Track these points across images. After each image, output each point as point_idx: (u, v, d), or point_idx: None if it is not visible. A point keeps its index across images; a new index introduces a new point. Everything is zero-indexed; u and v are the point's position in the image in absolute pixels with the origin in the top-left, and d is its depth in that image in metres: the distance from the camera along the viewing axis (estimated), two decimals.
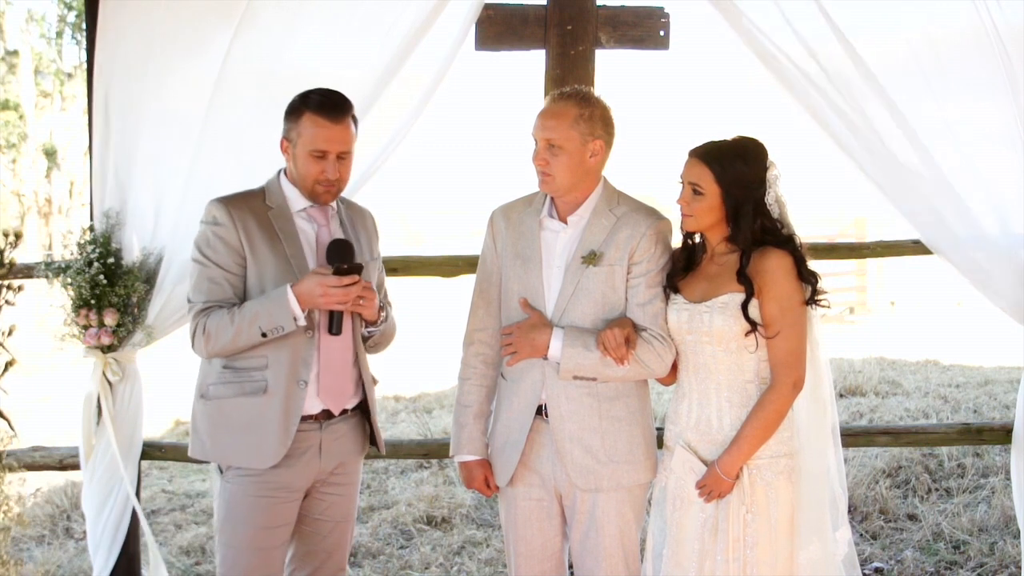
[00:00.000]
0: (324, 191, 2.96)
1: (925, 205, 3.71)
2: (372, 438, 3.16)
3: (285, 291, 2.83)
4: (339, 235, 3.03)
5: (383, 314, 3.06)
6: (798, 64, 3.63)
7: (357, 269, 2.87)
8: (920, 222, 3.75)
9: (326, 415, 3.01)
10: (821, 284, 2.90)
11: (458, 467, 3.19)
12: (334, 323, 2.91)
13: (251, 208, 2.95)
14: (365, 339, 3.10)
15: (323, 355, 2.97)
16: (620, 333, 2.82)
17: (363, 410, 3.12)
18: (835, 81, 3.65)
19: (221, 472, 3.01)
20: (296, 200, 3.00)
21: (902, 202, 3.72)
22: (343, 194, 3.15)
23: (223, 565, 3.00)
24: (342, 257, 2.90)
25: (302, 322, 2.86)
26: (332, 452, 3.03)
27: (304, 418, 2.95)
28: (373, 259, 3.13)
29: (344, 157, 2.96)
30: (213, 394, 2.96)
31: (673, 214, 3.05)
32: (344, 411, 3.06)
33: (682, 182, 2.91)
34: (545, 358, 2.91)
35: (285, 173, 3.04)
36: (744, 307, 2.81)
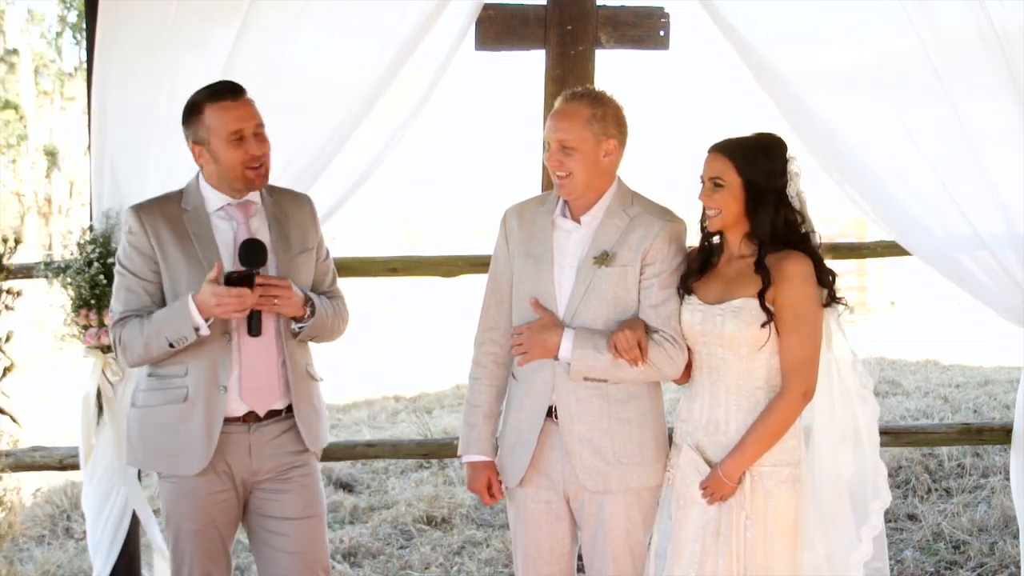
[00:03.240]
0: (255, 175, 2.92)
1: (915, 209, 3.73)
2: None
3: (186, 301, 2.82)
4: (261, 232, 2.98)
5: (307, 309, 2.98)
6: (780, 65, 3.66)
7: (247, 278, 2.81)
8: (902, 230, 3.78)
9: (254, 417, 2.98)
10: (838, 284, 2.89)
11: (465, 467, 3.17)
12: (253, 325, 2.88)
13: (163, 212, 2.93)
14: (296, 334, 3.02)
15: (245, 357, 2.94)
16: (632, 335, 2.80)
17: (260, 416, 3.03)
18: (825, 82, 3.68)
19: (160, 475, 3.03)
20: (214, 199, 2.95)
21: (886, 210, 3.75)
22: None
23: (174, 560, 3.04)
24: (252, 259, 2.85)
25: (205, 331, 2.83)
26: (264, 454, 2.99)
27: (230, 420, 2.94)
28: (306, 250, 3.06)
29: (259, 133, 2.93)
30: (141, 402, 2.99)
31: (684, 214, 3.03)
32: (275, 412, 3.01)
33: (702, 180, 2.88)
34: (556, 359, 2.90)
35: (203, 175, 2.99)
36: (761, 296, 2.78)
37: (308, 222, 3.11)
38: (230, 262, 2.91)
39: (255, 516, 3.07)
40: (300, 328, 2.99)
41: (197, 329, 2.82)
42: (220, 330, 2.88)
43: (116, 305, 2.96)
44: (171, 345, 2.84)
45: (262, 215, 3.02)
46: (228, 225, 2.97)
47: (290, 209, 3.09)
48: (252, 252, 2.86)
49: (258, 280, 2.83)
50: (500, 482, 3.09)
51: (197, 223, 2.94)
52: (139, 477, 4.11)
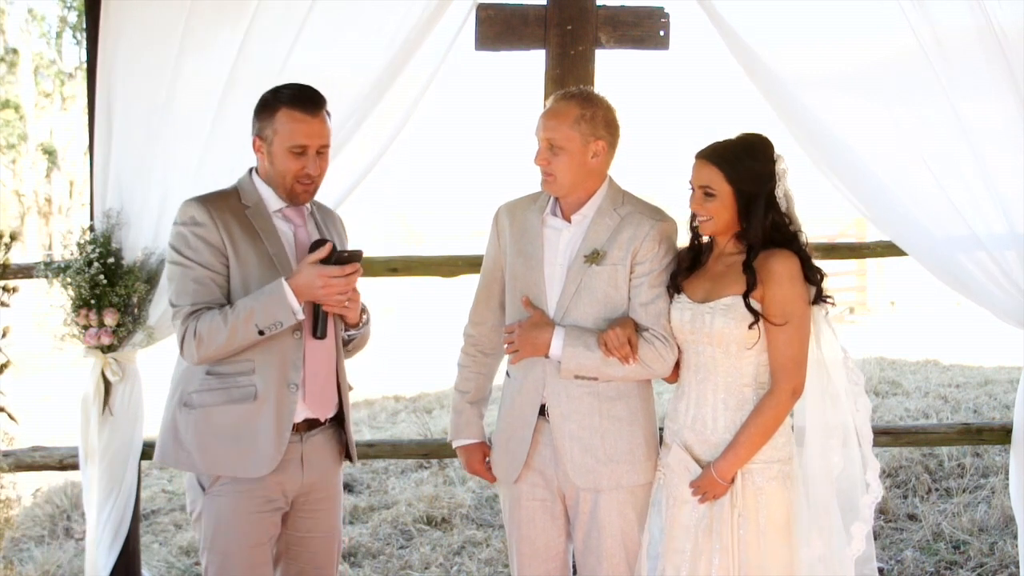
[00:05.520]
0: (303, 189, 2.87)
1: (913, 210, 3.73)
2: (347, 451, 3.04)
3: (281, 285, 2.72)
4: (315, 236, 2.95)
5: (364, 316, 2.97)
6: (778, 66, 3.67)
7: (357, 257, 2.79)
8: (899, 230, 3.79)
9: (307, 425, 2.91)
10: (826, 282, 2.89)
11: (458, 453, 3.20)
12: (319, 326, 2.81)
13: (229, 207, 2.83)
14: (345, 343, 3.01)
15: (308, 360, 2.86)
16: (622, 333, 2.82)
17: (338, 420, 3.01)
18: (823, 83, 3.68)
19: (203, 488, 2.86)
20: (272, 200, 2.89)
21: (885, 212, 3.75)
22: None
23: None
24: (324, 259, 2.79)
25: (300, 316, 2.75)
26: (313, 464, 2.93)
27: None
28: None
29: (322, 152, 2.87)
30: (198, 402, 2.82)
31: (674, 212, 3.04)
32: (319, 422, 2.95)
33: (692, 186, 2.89)
34: (547, 357, 2.91)
35: (257, 172, 2.93)
36: (746, 296, 2.79)
37: (342, 235, 3.11)
38: (295, 262, 2.86)
39: (285, 531, 2.98)
40: (351, 336, 2.99)
41: (294, 313, 2.72)
42: (289, 328, 2.79)
43: (181, 298, 2.78)
44: (261, 333, 2.71)
45: (312, 222, 3.00)
46: (287, 227, 2.91)
47: (328, 220, 3.08)
48: (319, 250, 2.79)
49: None
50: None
51: (261, 220, 2.85)
52: (138, 481, 4.11)
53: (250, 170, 2.96)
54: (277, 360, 2.81)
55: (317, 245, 2.81)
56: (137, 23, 3.77)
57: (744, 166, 2.82)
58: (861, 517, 2.94)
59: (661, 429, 3.07)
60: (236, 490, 2.83)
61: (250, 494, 2.83)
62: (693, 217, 2.93)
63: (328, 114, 2.91)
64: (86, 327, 3.82)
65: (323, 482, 2.99)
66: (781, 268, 2.80)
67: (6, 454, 4.17)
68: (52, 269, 3.87)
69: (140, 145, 3.85)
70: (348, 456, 3.06)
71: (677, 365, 2.97)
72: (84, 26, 4.10)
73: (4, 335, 3.60)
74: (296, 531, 3.00)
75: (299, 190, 2.87)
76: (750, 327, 2.80)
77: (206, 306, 2.77)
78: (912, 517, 5.21)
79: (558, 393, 2.93)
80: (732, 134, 2.92)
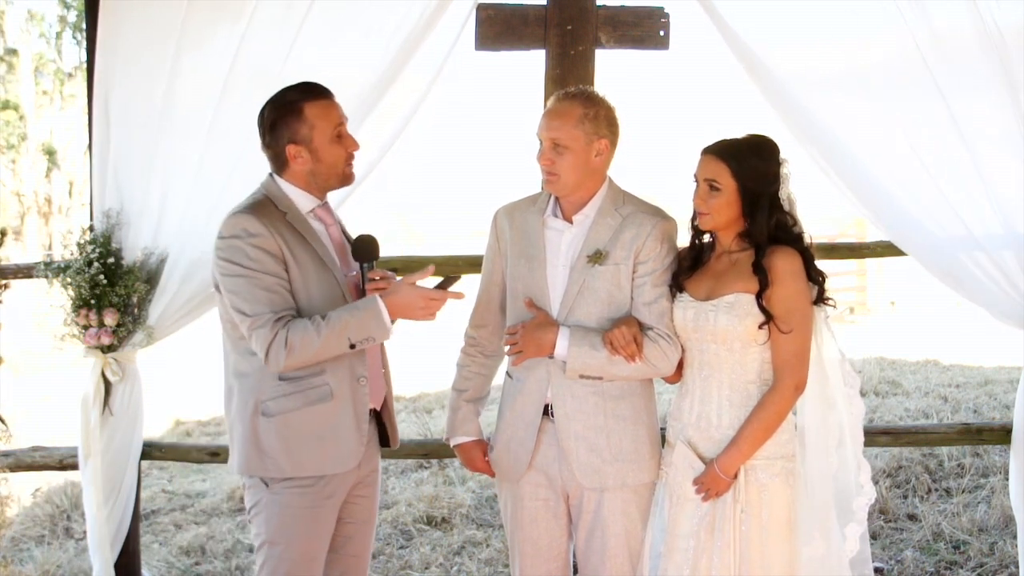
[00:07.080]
0: (351, 170, 2.95)
1: (912, 210, 3.73)
2: (383, 439, 3.11)
3: (375, 301, 2.77)
4: (340, 234, 3.02)
5: None
6: (778, 66, 3.68)
7: (455, 279, 2.87)
8: (899, 230, 3.79)
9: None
10: (827, 284, 2.91)
11: (456, 452, 3.20)
12: None
13: (273, 215, 2.84)
14: None
15: (367, 353, 2.94)
16: (628, 332, 2.83)
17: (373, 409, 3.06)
18: (823, 83, 3.69)
19: (266, 484, 2.88)
20: (302, 202, 2.91)
21: (884, 211, 3.76)
22: None
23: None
24: (366, 253, 2.88)
25: (392, 333, 2.82)
26: (365, 454, 2.98)
27: None
28: None
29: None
30: (275, 409, 2.83)
31: (675, 212, 3.04)
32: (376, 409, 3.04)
33: (697, 180, 2.90)
34: (551, 357, 2.91)
35: (281, 176, 2.92)
36: (759, 297, 2.80)
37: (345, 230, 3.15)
38: (336, 260, 2.92)
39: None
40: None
41: (388, 331, 2.79)
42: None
43: (257, 307, 2.75)
44: (352, 346, 2.77)
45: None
46: (320, 227, 2.95)
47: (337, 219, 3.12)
48: (367, 247, 2.89)
49: (371, 274, 2.88)
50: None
51: (301, 223, 2.88)
52: (138, 481, 4.12)
53: (270, 176, 2.95)
54: (345, 358, 2.86)
55: (359, 244, 2.89)
56: (136, 22, 3.78)
57: (750, 164, 2.84)
58: (856, 519, 2.96)
59: (662, 428, 3.08)
60: (300, 487, 2.87)
61: (313, 491, 2.88)
62: (694, 216, 2.94)
63: None
64: (86, 327, 3.83)
65: (371, 471, 3.07)
66: (783, 264, 2.81)
67: (6, 454, 4.18)
68: (52, 269, 3.87)
69: (140, 144, 3.85)
70: (384, 444, 3.12)
71: (679, 364, 2.98)
72: (84, 26, 4.10)
73: None
74: (343, 518, 3.02)
75: (349, 172, 2.95)
76: (760, 327, 2.82)
77: (289, 314, 2.78)
78: (912, 517, 5.21)
79: (563, 393, 2.93)
80: (737, 134, 2.93)
